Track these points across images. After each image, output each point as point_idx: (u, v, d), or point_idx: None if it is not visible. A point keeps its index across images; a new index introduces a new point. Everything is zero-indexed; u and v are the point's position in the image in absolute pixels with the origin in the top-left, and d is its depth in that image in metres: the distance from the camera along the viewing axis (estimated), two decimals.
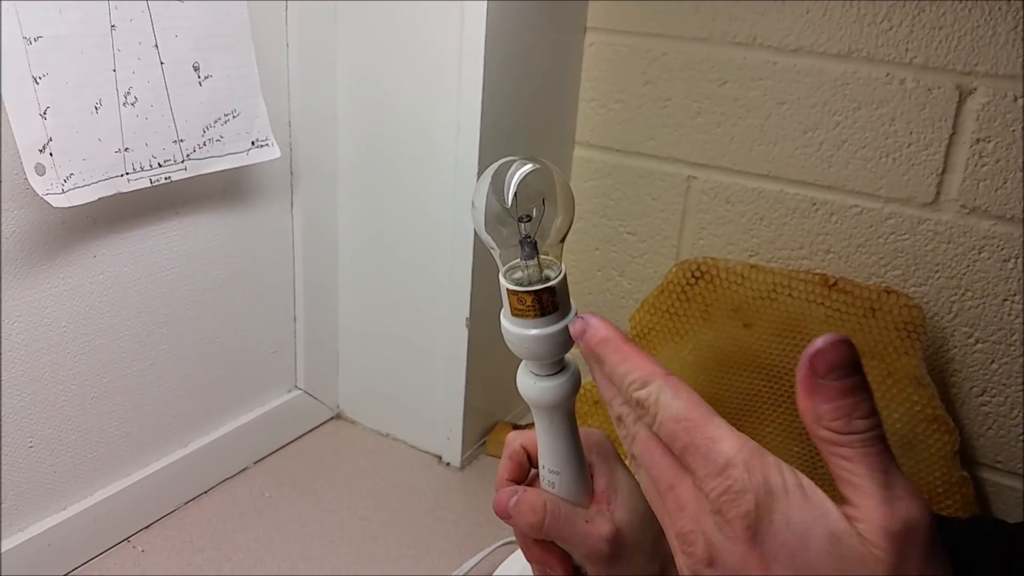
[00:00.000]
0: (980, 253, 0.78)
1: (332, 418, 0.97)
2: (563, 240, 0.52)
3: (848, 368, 0.36)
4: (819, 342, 0.36)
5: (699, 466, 0.38)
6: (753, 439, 0.85)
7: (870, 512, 0.35)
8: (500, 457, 0.59)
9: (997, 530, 0.58)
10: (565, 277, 0.50)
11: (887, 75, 0.77)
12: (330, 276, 0.91)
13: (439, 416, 0.89)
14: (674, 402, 0.40)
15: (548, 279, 0.50)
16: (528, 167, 0.51)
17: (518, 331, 0.50)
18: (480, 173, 0.51)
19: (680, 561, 0.39)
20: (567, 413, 0.54)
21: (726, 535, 0.37)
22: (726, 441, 0.39)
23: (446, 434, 0.89)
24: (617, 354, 0.43)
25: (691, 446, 0.39)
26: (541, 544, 0.55)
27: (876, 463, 0.35)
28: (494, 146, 0.78)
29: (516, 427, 0.94)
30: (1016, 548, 0.55)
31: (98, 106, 0.62)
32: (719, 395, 0.82)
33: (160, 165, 0.68)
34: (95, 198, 0.63)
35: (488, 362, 0.87)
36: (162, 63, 0.66)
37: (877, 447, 0.35)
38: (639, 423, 0.42)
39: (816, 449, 0.85)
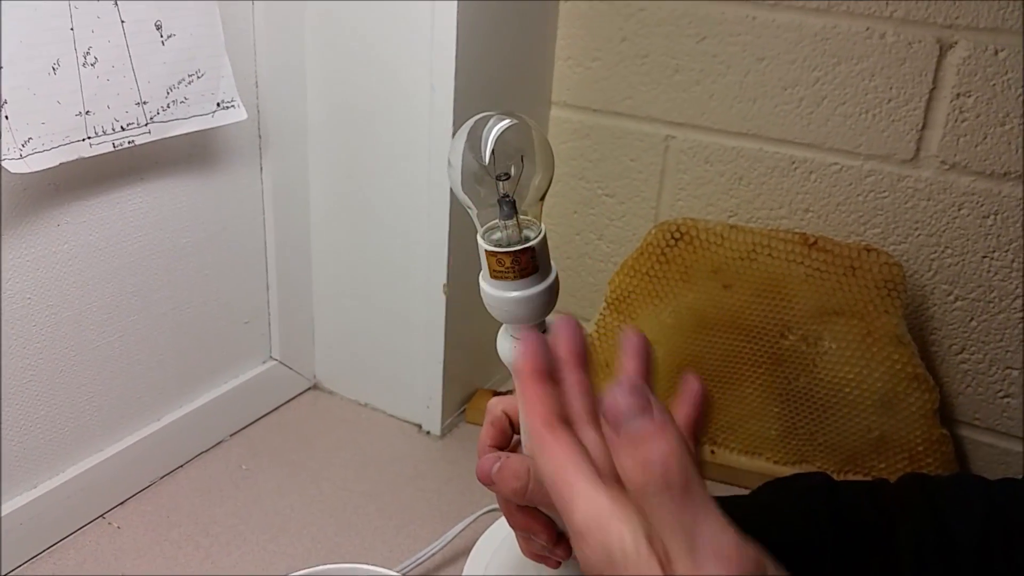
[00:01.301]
0: (960, 210, 0.78)
1: (309, 388, 0.95)
2: (543, 199, 0.51)
3: (641, 409, 0.35)
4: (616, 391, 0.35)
5: None
6: (733, 400, 0.86)
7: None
8: (481, 424, 0.58)
9: (979, 487, 0.58)
10: (545, 237, 0.49)
11: (867, 29, 0.76)
12: (303, 242, 0.89)
13: (418, 384, 0.88)
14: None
15: (528, 239, 0.48)
16: (506, 122, 0.49)
17: (497, 293, 0.48)
18: (455, 133, 0.49)
19: None
20: None
21: None
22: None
23: (425, 403, 0.88)
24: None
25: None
26: (524, 510, 0.55)
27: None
28: (470, 105, 0.76)
29: (497, 394, 0.93)
30: (998, 505, 0.55)
31: (55, 66, 0.60)
32: (699, 357, 0.81)
33: (123, 128, 0.65)
34: (56, 163, 0.61)
35: (467, 329, 0.86)
36: (123, 21, 0.63)
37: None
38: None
39: (796, 409, 0.85)
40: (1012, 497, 0.55)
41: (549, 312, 0.51)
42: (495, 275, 0.48)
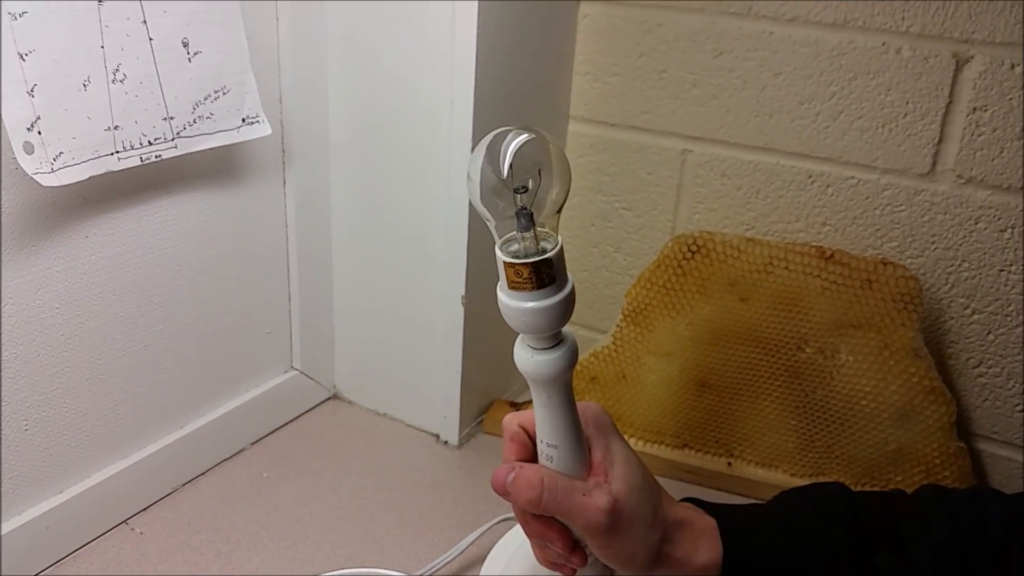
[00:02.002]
0: (977, 223, 0.78)
1: (329, 398, 0.97)
2: (560, 211, 0.51)
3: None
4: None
5: None
6: (750, 413, 0.86)
7: None
8: (498, 435, 0.59)
9: (996, 501, 0.58)
10: (562, 249, 0.50)
11: (883, 44, 0.76)
12: (324, 255, 0.90)
13: (436, 395, 0.89)
14: None
15: (545, 251, 0.49)
16: (524, 137, 0.50)
17: (515, 304, 0.49)
18: (474, 147, 0.50)
19: None
20: (564, 386, 0.53)
21: None
22: None
23: (443, 413, 0.89)
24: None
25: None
26: (540, 519, 0.56)
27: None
28: (488, 120, 0.77)
29: (513, 405, 0.94)
30: (1015, 518, 0.55)
31: (86, 83, 0.61)
32: (716, 369, 0.82)
33: (150, 143, 0.67)
34: (85, 177, 0.63)
35: (485, 340, 0.87)
36: (151, 39, 0.65)
37: None
38: None
39: (813, 421, 0.85)
40: None
41: (566, 322, 0.51)
42: (513, 286, 0.49)
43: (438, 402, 0.89)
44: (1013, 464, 0.83)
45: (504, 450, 0.58)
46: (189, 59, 0.68)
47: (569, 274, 0.51)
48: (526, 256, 0.49)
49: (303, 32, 0.80)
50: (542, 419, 0.54)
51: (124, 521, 0.76)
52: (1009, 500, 0.58)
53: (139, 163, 0.67)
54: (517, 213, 0.50)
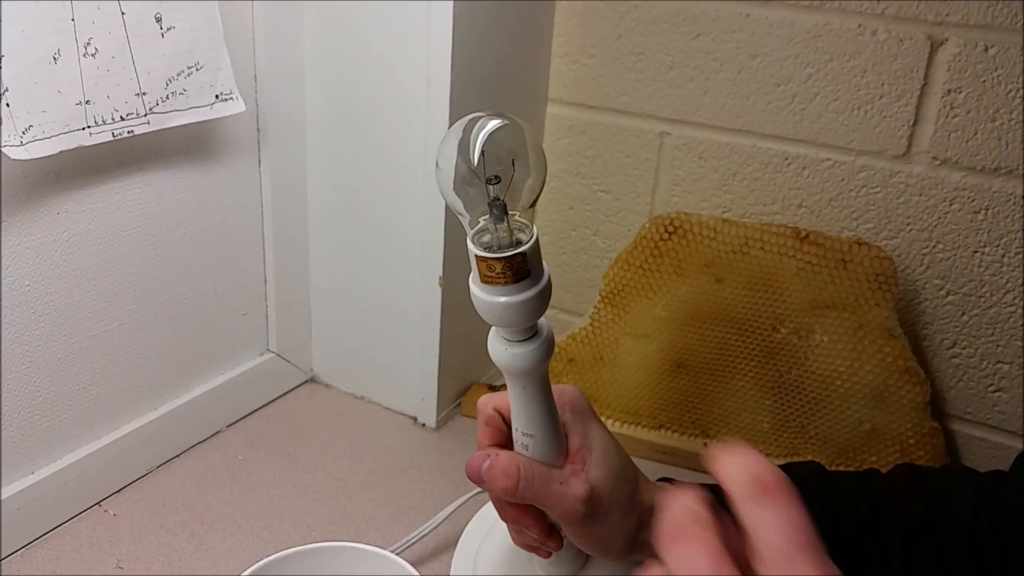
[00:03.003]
0: (951, 205, 0.78)
1: (306, 381, 0.96)
2: (535, 203, 0.49)
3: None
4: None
5: None
6: (725, 393, 0.86)
7: None
8: (475, 417, 0.58)
9: (968, 479, 0.59)
10: (537, 241, 0.47)
11: (859, 26, 0.77)
12: (300, 235, 0.89)
13: (414, 378, 0.88)
14: None
15: (519, 243, 0.47)
16: (496, 123, 0.47)
17: (488, 298, 0.47)
18: (448, 131, 0.48)
19: None
20: (540, 378, 0.52)
21: None
22: None
23: (421, 395, 0.89)
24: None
25: None
26: (515, 505, 0.55)
27: None
28: (466, 100, 0.77)
29: (491, 388, 0.94)
30: (986, 495, 0.56)
31: (56, 56, 0.61)
32: (692, 349, 0.82)
33: (122, 119, 0.66)
34: (55, 151, 0.62)
35: (463, 322, 0.86)
36: (123, 13, 0.64)
37: None
38: None
39: (788, 401, 0.85)
40: (999, 488, 0.56)
41: (540, 316, 0.50)
42: (485, 280, 0.47)
43: (416, 385, 0.89)
44: (986, 444, 0.84)
45: (478, 434, 0.57)
46: (162, 34, 0.68)
47: (545, 265, 0.49)
48: (499, 249, 0.47)
49: (278, 10, 0.79)
50: (517, 409, 0.53)
51: (98, 503, 0.75)
52: (981, 478, 0.58)
53: (111, 139, 0.66)
54: (490, 204, 0.47)
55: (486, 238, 0.48)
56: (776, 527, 0.31)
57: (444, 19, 0.74)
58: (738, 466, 0.33)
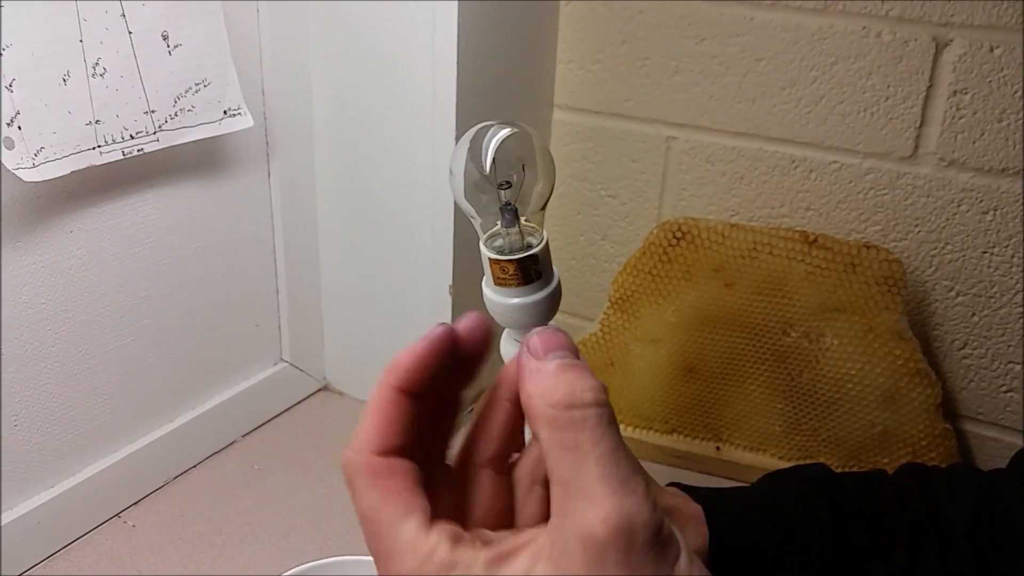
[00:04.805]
0: (959, 206, 0.78)
1: (319, 390, 0.97)
2: (544, 206, 0.51)
3: (569, 350, 0.34)
4: (535, 332, 0.34)
5: None
6: (737, 397, 0.86)
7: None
8: None
9: (972, 477, 0.59)
10: (547, 244, 0.50)
11: (863, 28, 0.77)
12: (311, 246, 0.90)
13: None
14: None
15: (530, 246, 0.49)
16: (506, 131, 0.50)
17: (501, 300, 0.49)
18: (458, 138, 0.50)
19: None
20: None
21: None
22: None
23: None
24: None
25: None
26: None
27: (606, 452, 0.31)
28: (472, 108, 0.77)
29: None
30: (989, 494, 0.56)
31: (66, 77, 0.62)
32: (702, 354, 0.82)
33: (132, 137, 0.67)
34: (67, 172, 0.63)
35: None
36: (130, 32, 0.65)
37: (607, 429, 0.32)
38: None
39: (800, 405, 0.85)
40: (998, 486, 0.56)
41: (551, 317, 0.51)
42: (498, 282, 0.49)
43: None
44: (998, 444, 0.83)
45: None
46: (169, 52, 0.68)
47: (555, 268, 0.51)
48: (511, 252, 0.49)
49: (284, 23, 0.80)
50: None
51: (116, 515, 0.76)
52: (984, 476, 0.59)
53: (121, 157, 0.67)
54: (501, 209, 0.49)
55: (498, 242, 0.50)
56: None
57: (449, 26, 0.74)
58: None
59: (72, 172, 0.63)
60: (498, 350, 0.53)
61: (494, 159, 0.49)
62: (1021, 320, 0.79)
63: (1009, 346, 0.80)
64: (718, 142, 0.86)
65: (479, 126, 0.50)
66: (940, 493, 0.57)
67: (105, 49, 0.64)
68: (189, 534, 0.74)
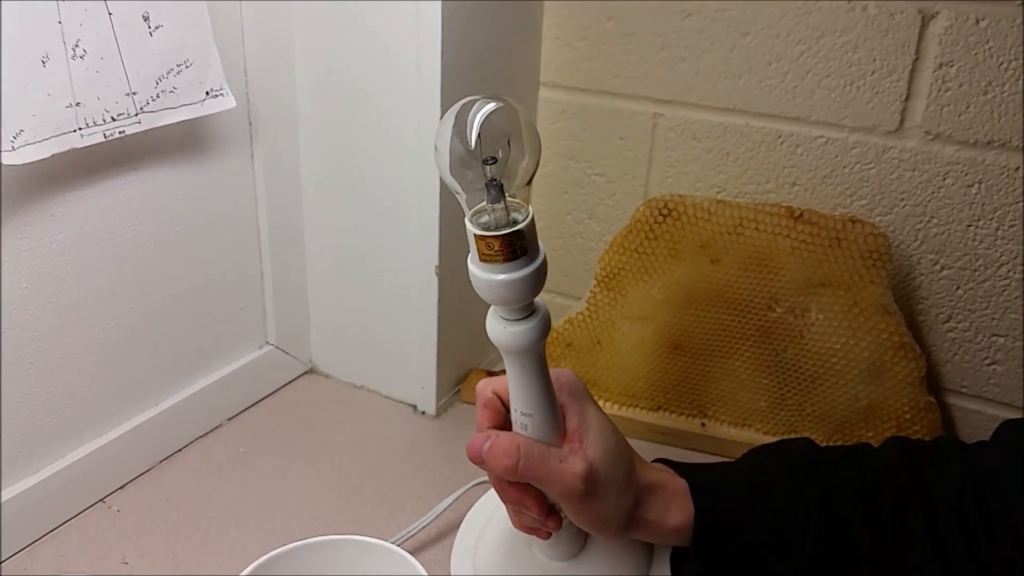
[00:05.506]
0: (945, 179, 0.78)
1: (306, 372, 0.97)
2: (530, 182, 0.51)
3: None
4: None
5: None
6: (722, 373, 0.87)
7: None
8: (475, 403, 0.59)
9: (956, 449, 0.60)
10: (533, 220, 0.50)
11: (849, 1, 0.76)
12: (296, 228, 0.90)
13: (413, 366, 0.89)
14: None
15: (516, 222, 0.49)
16: (491, 106, 0.49)
17: (486, 276, 0.49)
18: (443, 116, 0.50)
19: None
20: (537, 356, 0.53)
21: None
22: None
23: (421, 383, 0.89)
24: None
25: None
26: (515, 485, 0.56)
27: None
28: (457, 87, 0.77)
29: (490, 374, 0.94)
30: (972, 465, 0.57)
31: (45, 60, 0.61)
32: (689, 331, 0.82)
33: (113, 119, 0.66)
34: (48, 155, 0.62)
35: (460, 310, 0.87)
36: (110, 14, 0.64)
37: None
38: None
39: (785, 380, 0.86)
40: (983, 457, 0.57)
41: (537, 293, 0.51)
42: (484, 258, 0.49)
43: (415, 373, 0.89)
44: (982, 417, 0.84)
45: (477, 417, 0.58)
46: (150, 33, 0.68)
47: (541, 244, 0.51)
48: (497, 228, 0.48)
49: (266, 2, 0.79)
50: (516, 388, 0.54)
51: (101, 499, 0.76)
52: (968, 448, 0.59)
53: (103, 140, 0.66)
54: (487, 184, 0.49)
55: (484, 218, 0.50)
56: None
57: (433, 4, 0.73)
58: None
59: (53, 155, 0.62)
60: (481, 327, 0.53)
61: (479, 134, 0.48)
62: (1005, 293, 0.79)
63: (993, 319, 0.80)
64: (704, 118, 0.86)
65: (464, 101, 0.49)
66: (925, 465, 0.57)
67: (85, 31, 0.63)
68: (175, 518, 0.74)
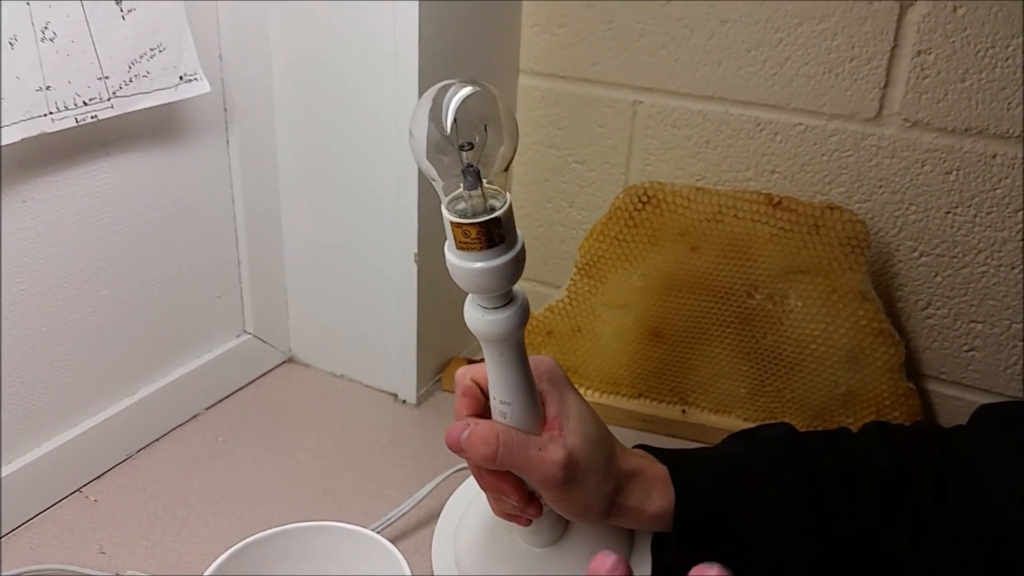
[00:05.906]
0: (923, 166, 0.79)
1: (285, 362, 0.96)
2: (508, 168, 0.50)
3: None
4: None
5: None
6: (702, 360, 0.87)
7: None
8: (454, 391, 0.58)
9: (935, 433, 0.60)
10: (511, 206, 0.49)
11: None
12: (272, 215, 0.89)
13: (393, 354, 0.88)
14: None
15: (493, 209, 0.48)
16: (468, 90, 0.48)
17: (463, 265, 0.48)
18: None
19: None
20: (516, 344, 0.53)
21: None
22: None
23: (401, 372, 0.89)
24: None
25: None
26: (495, 473, 0.56)
27: None
28: (434, 73, 0.76)
29: (471, 363, 0.94)
30: (952, 448, 0.57)
31: (13, 42, 0.60)
32: (668, 318, 0.82)
33: (85, 104, 0.65)
34: (17, 139, 0.61)
35: (440, 298, 0.86)
36: None
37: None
38: None
39: (764, 366, 0.86)
40: (962, 440, 0.57)
41: (515, 281, 0.50)
42: (461, 246, 0.48)
43: (395, 362, 0.89)
44: (960, 403, 0.84)
45: (456, 405, 0.58)
46: (123, 16, 0.67)
47: (519, 231, 0.50)
48: (474, 215, 0.47)
49: None
50: (495, 376, 0.54)
51: (78, 489, 0.75)
52: (946, 432, 0.59)
53: (75, 124, 0.65)
54: (463, 171, 0.48)
55: (461, 205, 0.49)
56: None
57: None
58: None
59: (23, 140, 0.61)
60: (461, 315, 0.53)
61: (455, 119, 0.47)
62: (983, 279, 0.79)
63: (971, 306, 0.81)
64: (684, 106, 0.86)
65: (440, 84, 0.48)
66: (904, 449, 0.58)
67: (54, 13, 0.62)
68: (152, 507, 0.73)
